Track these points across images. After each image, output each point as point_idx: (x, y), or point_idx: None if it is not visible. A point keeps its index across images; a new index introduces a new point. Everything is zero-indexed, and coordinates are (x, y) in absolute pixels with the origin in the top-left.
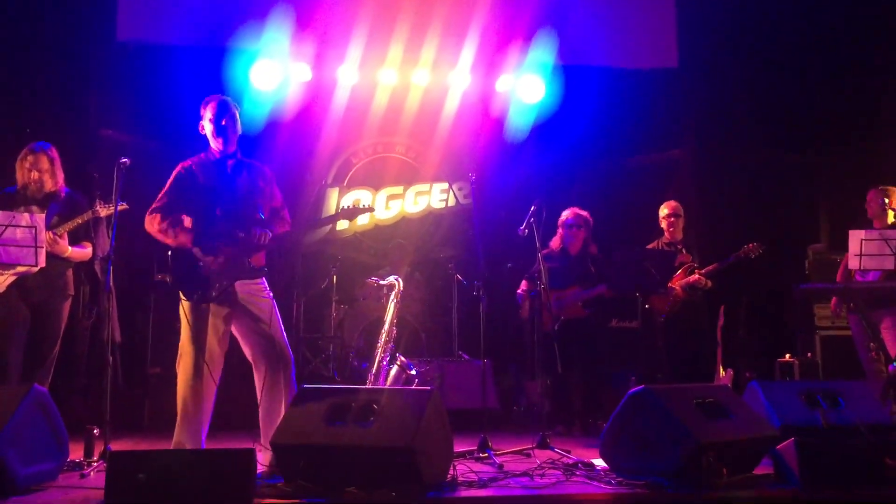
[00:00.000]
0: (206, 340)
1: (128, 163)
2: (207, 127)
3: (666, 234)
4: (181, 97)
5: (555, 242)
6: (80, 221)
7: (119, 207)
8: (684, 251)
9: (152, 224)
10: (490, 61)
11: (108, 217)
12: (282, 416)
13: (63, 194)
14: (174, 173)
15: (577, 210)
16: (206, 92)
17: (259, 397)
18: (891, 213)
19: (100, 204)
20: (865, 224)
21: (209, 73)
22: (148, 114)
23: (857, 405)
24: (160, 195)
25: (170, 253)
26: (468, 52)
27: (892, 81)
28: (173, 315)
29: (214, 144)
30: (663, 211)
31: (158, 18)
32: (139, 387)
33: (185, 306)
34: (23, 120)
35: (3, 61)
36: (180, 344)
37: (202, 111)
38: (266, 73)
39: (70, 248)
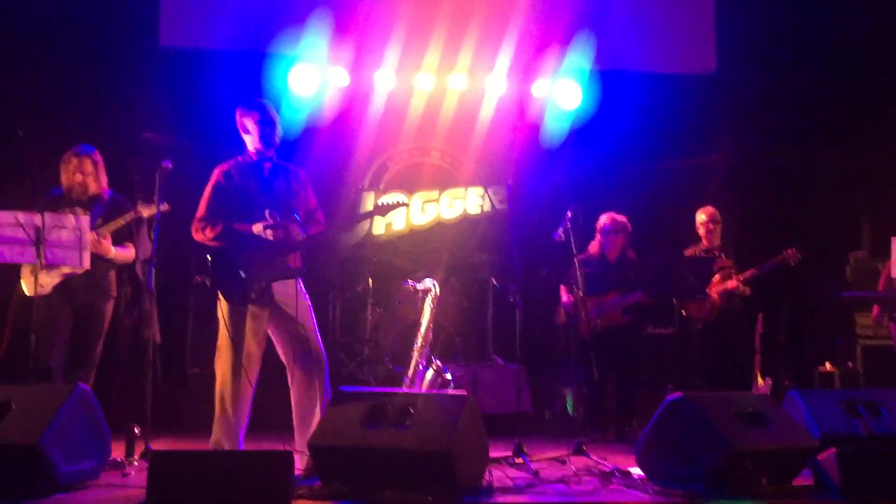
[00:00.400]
0: (243, 341)
1: (170, 166)
2: (252, 129)
3: (703, 240)
4: (221, 101)
5: (593, 247)
6: (122, 222)
7: (161, 208)
8: (723, 257)
9: (205, 235)
10: (527, 66)
11: (150, 219)
12: (315, 419)
13: (107, 196)
14: (213, 179)
15: (614, 215)
16: (246, 96)
17: (293, 400)
18: None
19: (141, 204)
20: None
21: (249, 77)
22: (188, 117)
23: None
24: (202, 204)
25: (209, 255)
26: (505, 58)
27: None
28: (212, 316)
29: (254, 147)
30: (700, 217)
31: (200, 24)
32: (178, 386)
33: (223, 307)
34: (66, 123)
35: (48, 66)
36: (218, 344)
37: (243, 114)
38: (304, 77)
39: (113, 248)
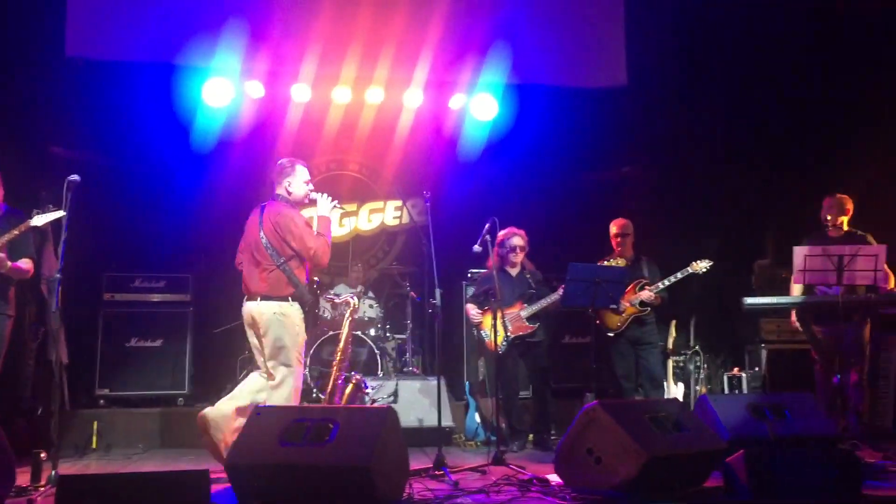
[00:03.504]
0: None
1: (78, 180)
2: (303, 187)
3: (616, 251)
4: (132, 114)
5: (492, 261)
6: (17, 233)
7: (56, 216)
8: (635, 267)
9: None
10: (443, 80)
11: (56, 236)
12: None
13: (2, 210)
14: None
15: (514, 229)
16: (158, 109)
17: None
18: (845, 220)
19: (36, 213)
20: (818, 237)
21: (161, 89)
22: (99, 131)
23: (803, 417)
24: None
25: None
26: (421, 71)
27: (835, 97)
28: (121, 335)
29: (296, 199)
30: (612, 229)
31: (108, 34)
32: (87, 409)
33: (303, 328)
34: None
35: None
36: (294, 363)
37: (292, 168)
38: (218, 89)
39: (9, 263)
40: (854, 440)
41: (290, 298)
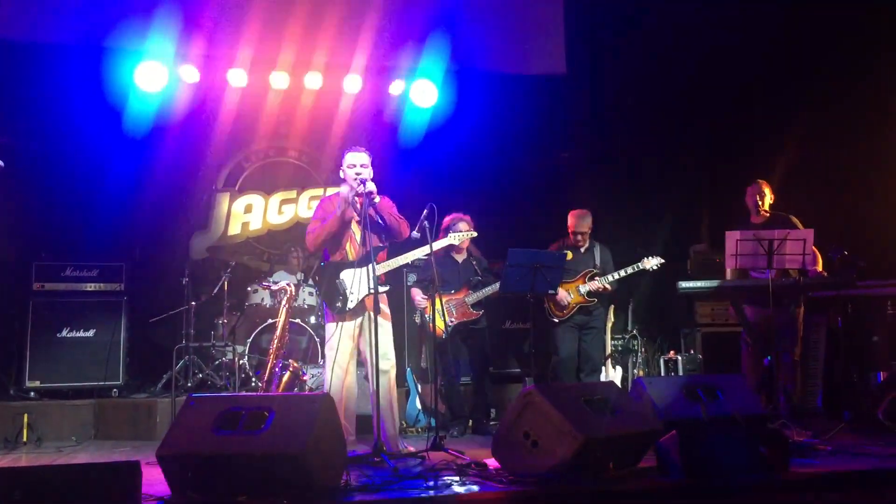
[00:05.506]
0: None
1: (2, 165)
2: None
3: (570, 240)
4: (62, 98)
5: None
6: None
7: None
8: (585, 256)
9: None
10: (383, 66)
11: None
12: None
13: None
14: None
15: (459, 214)
16: (88, 92)
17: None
18: (768, 204)
19: None
20: (743, 223)
21: (91, 72)
22: (26, 115)
23: (734, 397)
24: None
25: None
26: (361, 57)
27: (768, 84)
28: (53, 326)
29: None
30: (570, 220)
31: (34, 15)
32: (17, 401)
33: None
34: None
35: None
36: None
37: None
38: (151, 73)
39: None
40: (783, 419)
41: None
